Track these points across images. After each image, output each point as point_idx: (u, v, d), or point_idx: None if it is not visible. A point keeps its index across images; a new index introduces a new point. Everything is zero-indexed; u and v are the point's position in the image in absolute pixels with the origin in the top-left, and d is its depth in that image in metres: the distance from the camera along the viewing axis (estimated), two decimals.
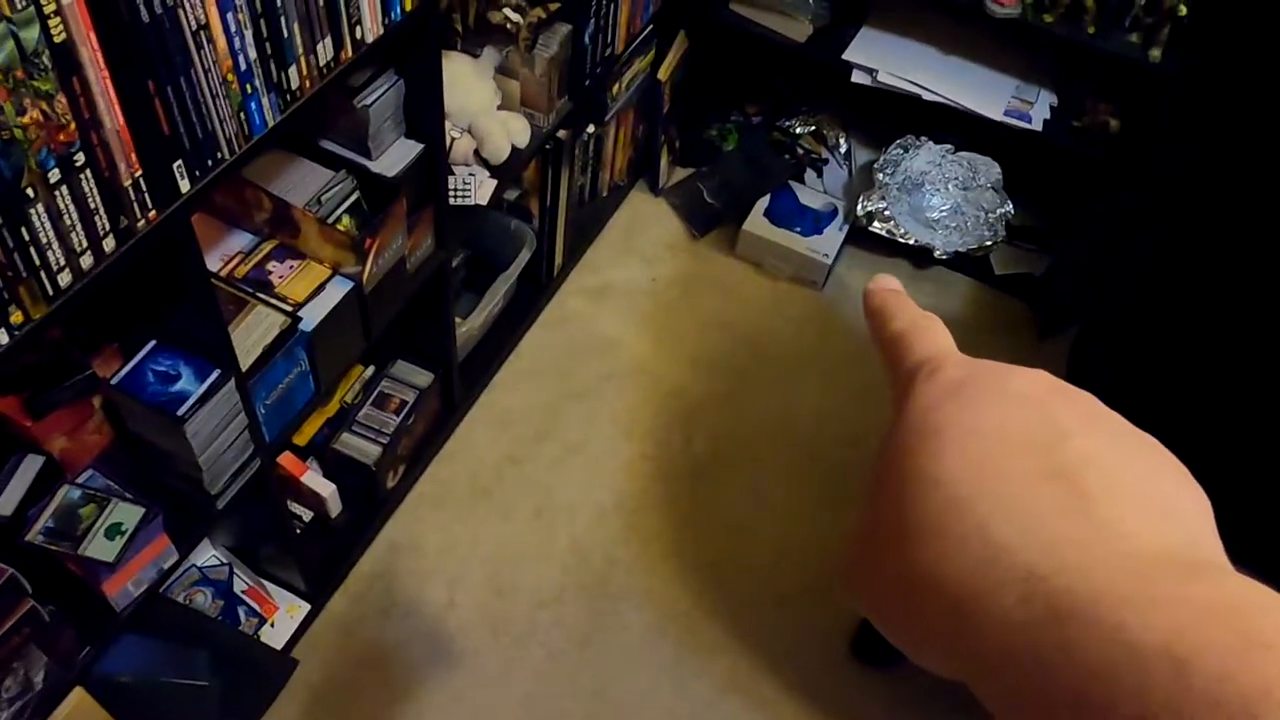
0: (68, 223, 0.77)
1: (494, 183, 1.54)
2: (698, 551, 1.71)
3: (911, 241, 2.10)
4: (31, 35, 0.67)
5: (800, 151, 2.25)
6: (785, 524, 1.75)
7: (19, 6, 0.66)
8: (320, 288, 1.21)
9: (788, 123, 2.24)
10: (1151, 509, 0.23)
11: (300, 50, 0.94)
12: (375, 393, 1.65)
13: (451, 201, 1.48)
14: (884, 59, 1.94)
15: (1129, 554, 0.22)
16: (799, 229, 2.12)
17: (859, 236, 2.16)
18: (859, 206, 2.10)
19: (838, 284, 2.15)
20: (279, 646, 1.47)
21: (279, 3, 0.88)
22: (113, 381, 1.03)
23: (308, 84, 0.98)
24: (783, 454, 1.84)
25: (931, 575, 0.25)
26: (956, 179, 2.14)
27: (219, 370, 1.05)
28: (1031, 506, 0.24)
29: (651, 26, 1.92)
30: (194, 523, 1.15)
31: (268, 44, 0.90)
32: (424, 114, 1.28)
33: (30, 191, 0.73)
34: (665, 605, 1.64)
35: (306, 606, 1.52)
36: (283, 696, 1.46)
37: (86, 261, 0.81)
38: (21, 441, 1.06)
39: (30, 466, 1.05)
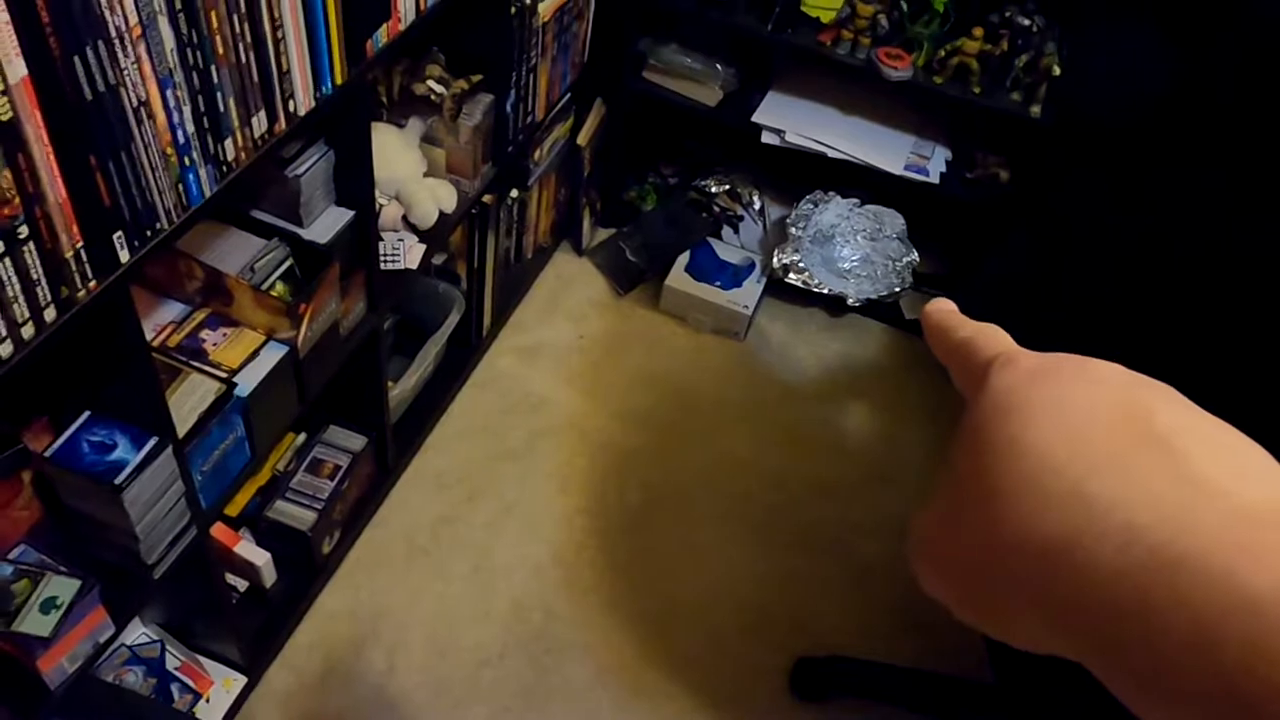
0: (10, 294, 0.78)
1: (422, 247, 1.58)
2: (635, 601, 1.73)
3: (826, 290, 2.20)
4: None
5: (717, 209, 2.35)
6: (719, 568, 1.79)
7: None
8: (255, 354, 1.23)
9: (703, 182, 2.34)
10: (1246, 470, 0.24)
11: (236, 123, 0.98)
12: (308, 459, 1.65)
13: (382, 266, 1.51)
14: (790, 120, 2.05)
15: (1230, 510, 0.22)
16: (719, 283, 2.20)
17: (776, 288, 2.25)
18: (774, 259, 2.20)
19: (758, 334, 2.23)
20: None
21: (215, 79, 0.92)
22: (46, 454, 1.02)
23: (243, 155, 1.01)
24: (714, 500, 1.89)
25: (1021, 532, 0.25)
26: (864, 230, 2.26)
27: (156, 438, 1.06)
28: (1127, 468, 0.24)
29: (570, 95, 2.00)
30: (130, 594, 1.13)
31: (205, 118, 0.93)
32: (354, 182, 1.32)
33: None
34: (606, 656, 1.65)
35: (243, 680, 1.50)
36: None
37: (28, 332, 0.82)
38: None
39: None
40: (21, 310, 0.80)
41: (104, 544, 1.10)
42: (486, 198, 1.78)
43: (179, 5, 0.84)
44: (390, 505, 1.79)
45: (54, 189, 0.79)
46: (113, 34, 0.78)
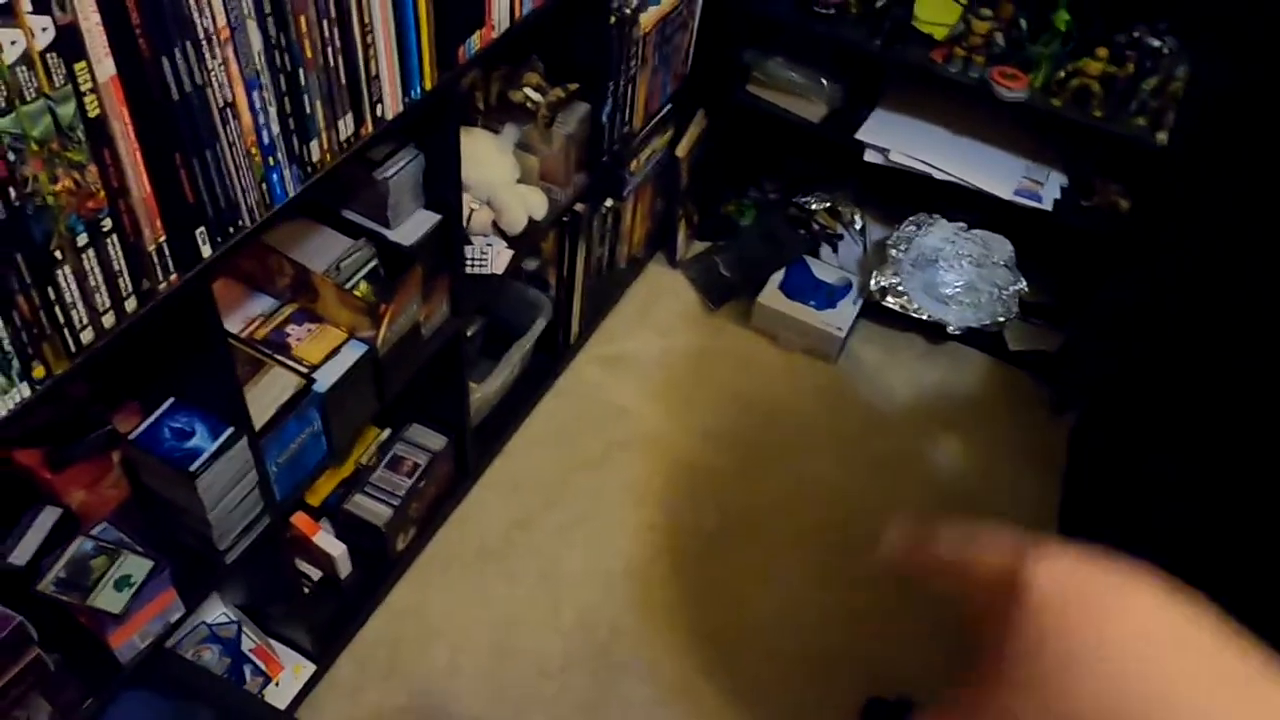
0: (92, 283, 0.81)
1: (510, 253, 1.59)
2: (703, 623, 1.70)
3: (925, 316, 2.12)
4: (68, 110, 0.73)
5: (816, 227, 2.29)
6: (791, 597, 1.74)
7: (57, 84, 0.71)
8: (335, 351, 1.25)
9: (804, 199, 2.29)
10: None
11: (322, 125, 1.00)
12: (389, 455, 1.68)
13: (468, 270, 1.53)
14: (896, 139, 1.98)
15: None
16: (813, 302, 2.15)
17: (873, 311, 2.18)
18: (872, 281, 2.13)
19: (851, 357, 2.16)
20: (282, 707, 1.47)
21: (302, 81, 0.94)
22: (131, 437, 1.07)
23: (328, 157, 1.03)
24: (792, 526, 1.84)
25: None
26: (970, 256, 2.17)
27: (232, 428, 1.08)
28: None
29: (670, 106, 1.98)
30: (202, 578, 1.17)
31: (291, 119, 0.95)
32: (442, 186, 1.33)
33: (58, 254, 0.77)
34: (669, 677, 1.62)
35: (312, 667, 1.53)
36: None
37: (109, 320, 0.85)
38: (41, 493, 1.09)
39: (48, 518, 1.08)
40: (103, 299, 0.83)
41: (180, 527, 1.14)
42: (579, 206, 1.78)
43: (268, 9, 0.86)
44: (466, 506, 1.81)
45: (138, 184, 0.81)
46: (201, 36, 0.80)
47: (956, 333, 2.12)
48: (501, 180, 1.58)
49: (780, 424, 2.02)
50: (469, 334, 1.79)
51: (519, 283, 1.88)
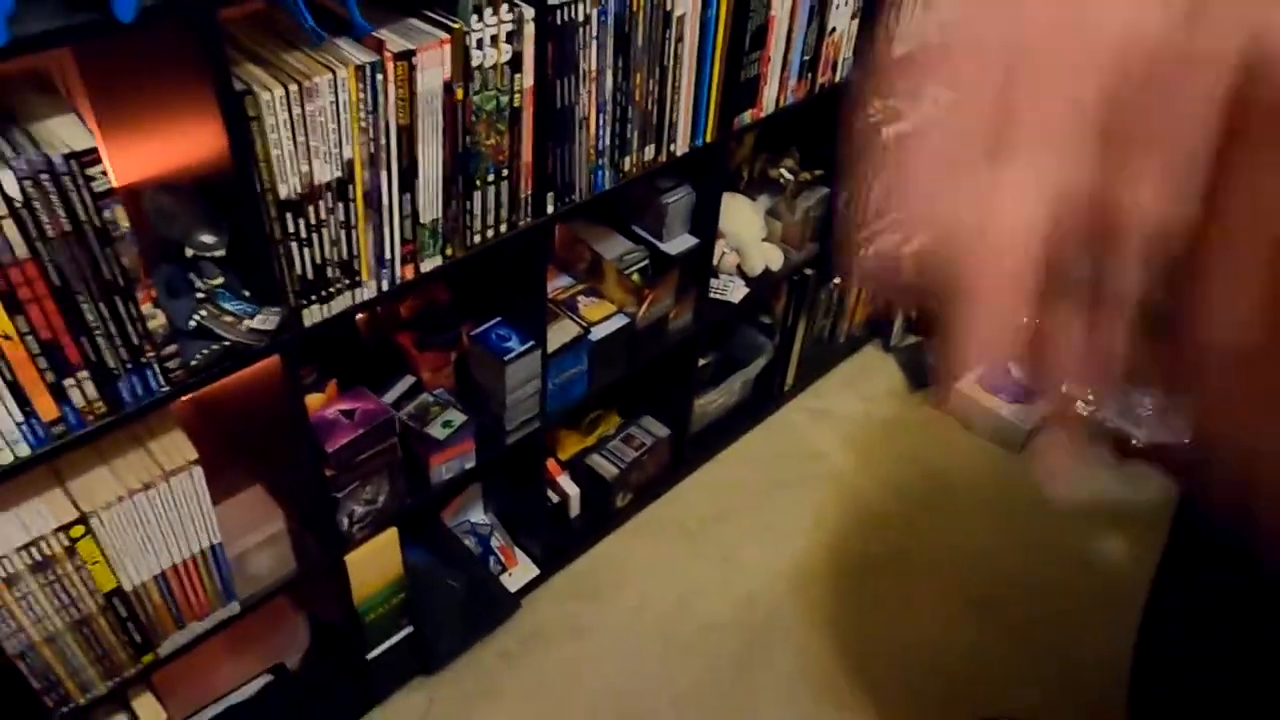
0: (488, 207, 1.35)
1: (746, 290, 2.04)
2: (848, 629, 1.98)
3: (1113, 426, 2.32)
4: (505, 100, 1.28)
5: None
6: (930, 632, 1.98)
7: (504, 84, 1.26)
8: (607, 318, 1.75)
9: None
10: None
11: (635, 147, 1.52)
12: (624, 433, 2.14)
13: (712, 295, 1.99)
14: None
15: None
16: (1005, 396, 2.41)
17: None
18: (1064, 385, 2.37)
19: (1034, 452, 2.39)
20: (511, 591, 1.93)
21: (629, 115, 1.46)
22: (472, 334, 1.60)
23: (634, 170, 1.54)
24: (941, 574, 2.09)
25: None
26: None
27: (533, 342, 1.59)
28: None
29: None
30: (489, 448, 1.67)
31: (617, 138, 1.47)
32: (703, 219, 1.82)
33: (477, 182, 1.32)
34: (812, 658, 1.92)
35: (536, 571, 1.98)
36: (502, 628, 1.90)
37: (490, 234, 1.38)
38: (406, 365, 1.65)
39: (406, 382, 1.63)
40: (490, 219, 1.37)
41: (484, 409, 1.65)
42: (808, 270, 2.21)
43: (620, 64, 1.39)
44: (675, 492, 2.23)
45: (526, 154, 1.35)
46: (581, 73, 1.34)
47: (1143, 446, 2.30)
48: (750, 235, 2.06)
49: (954, 492, 2.28)
50: (702, 363, 2.26)
51: (749, 327, 2.33)
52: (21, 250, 0.92)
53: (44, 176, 0.90)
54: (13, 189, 0.89)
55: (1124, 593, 2.12)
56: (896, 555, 2.13)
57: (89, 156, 0.92)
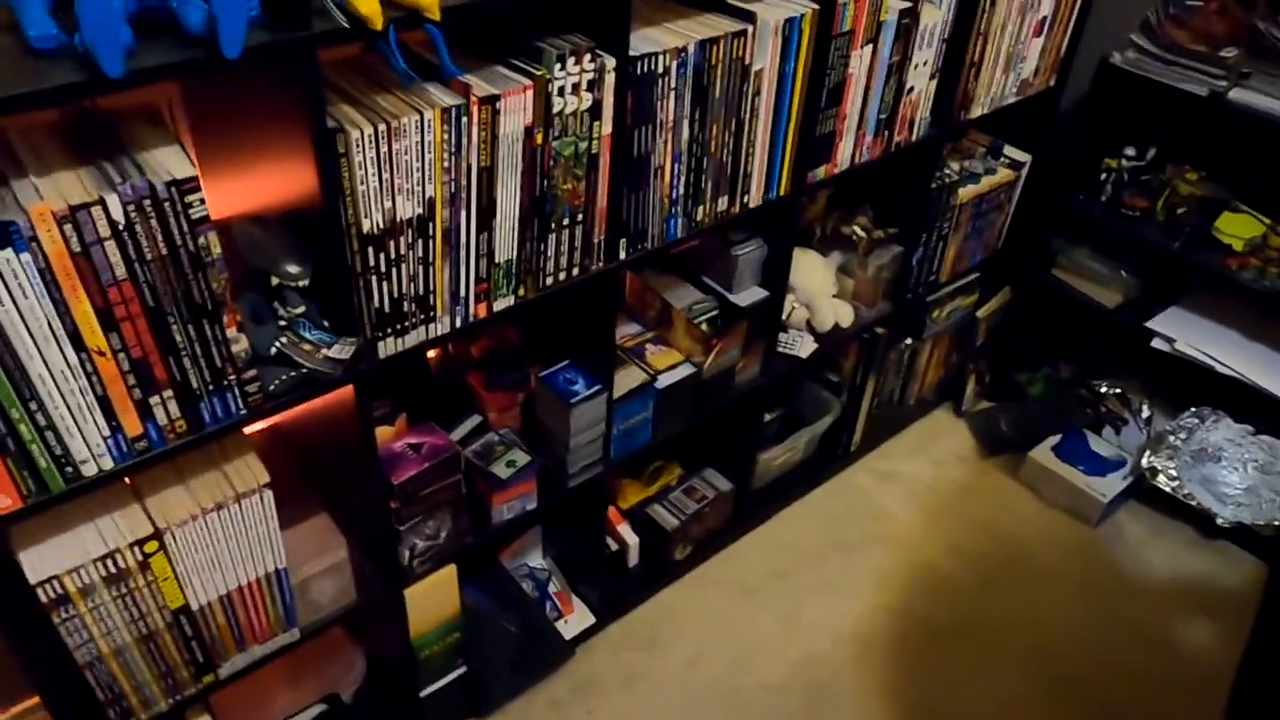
0: (562, 249, 1.38)
1: (815, 345, 2.03)
2: (909, 698, 1.91)
3: (1195, 504, 2.22)
4: (583, 146, 1.31)
5: (1103, 409, 2.49)
6: (998, 708, 1.90)
7: (583, 131, 1.29)
8: (674, 366, 1.76)
9: (1096, 382, 2.50)
10: None
11: (708, 197, 1.53)
12: (685, 484, 2.13)
13: (780, 349, 1.99)
14: (1186, 332, 2.19)
15: None
16: (1083, 467, 2.34)
17: (1144, 494, 2.32)
18: (1144, 459, 2.29)
19: (1113, 526, 2.30)
20: (566, 638, 1.92)
21: (704, 165, 1.49)
22: (541, 375, 1.62)
23: (706, 220, 1.56)
24: (1014, 648, 2.01)
25: None
26: (1255, 461, 2.26)
27: (600, 386, 1.60)
28: None
29: (979, 274, 2.36)
30: (551, 490, 1.67)
31: (691, 187, 1.49)
32: (774, 273, 1.82)
33: (552, 225, 1.35)
34: None
35: (592, 619, 1.97)
36: (555, 675, 1.89)
37: (561, 276, 1.41)
38: (474, 403, 1.67)
39: (473, 420, 1.66)
40: (563, 261, 1.39)
41: (548, 452, 1.66)
42: (879, 330, 2.19)
43: (697, 115, 1.42)
44: (735, 547, 2.20)
45: (601, 199, 1.38)
46: (658, 123, 1.37)
47: (1226, 526, 2.20)
48: (821, 291, 2.05)
49: (1026, 562, 2.21)
50: (767, 419, 2.24)
51: (816, 385, 2.31)
52: (121, 270, 0.97)
53: (146, 202, 0.95)
54: (117, 213, 0.94)
55: (1209, 679, 2.02)
56: (964, 623, 2.06)
57: (189, 184, 0.97)
